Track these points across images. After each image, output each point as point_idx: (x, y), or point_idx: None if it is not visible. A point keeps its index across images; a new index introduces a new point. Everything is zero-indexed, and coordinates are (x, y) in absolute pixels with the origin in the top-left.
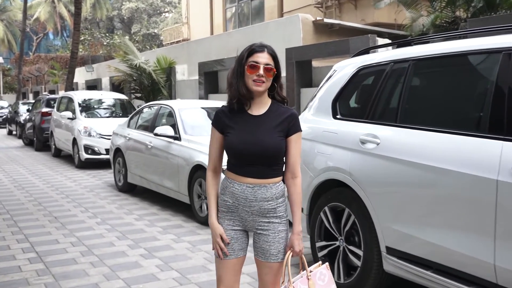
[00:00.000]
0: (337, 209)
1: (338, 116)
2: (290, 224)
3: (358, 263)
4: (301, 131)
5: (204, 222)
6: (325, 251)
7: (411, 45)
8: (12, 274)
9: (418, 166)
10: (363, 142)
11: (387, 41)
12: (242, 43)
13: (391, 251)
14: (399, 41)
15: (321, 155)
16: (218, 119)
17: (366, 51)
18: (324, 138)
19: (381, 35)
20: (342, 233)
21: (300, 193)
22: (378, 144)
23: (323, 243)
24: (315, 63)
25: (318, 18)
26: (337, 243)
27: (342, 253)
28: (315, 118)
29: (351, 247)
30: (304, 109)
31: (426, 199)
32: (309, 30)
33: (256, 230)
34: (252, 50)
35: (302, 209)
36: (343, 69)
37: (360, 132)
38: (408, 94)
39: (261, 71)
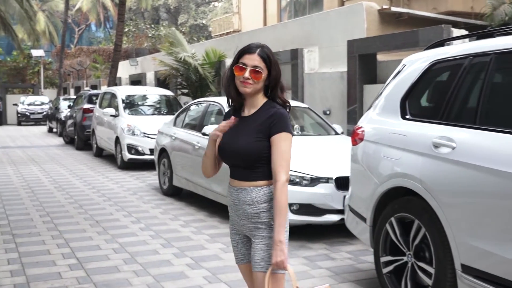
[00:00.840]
0: (405, 220)
1: (407, 116)
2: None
3: (429, 281)
4: (286, 132)
5: None
6: (390, 267)
7: (493, 37)
8: (52, 281)
9: (500, 173)
10: (436, 145)
11: (463, 32)
12: (298, 34)
13: (467, 269)
14: (479, 32)
15: (387, 160)
16: (223, 120)
17: (440, 44)
18: (391, 141)
19: (456, 25)
20: (411, 248)
21: (280, 198)
22: (453, 148)
23: (389, 258)
24: (380, 57)
25: (384, 7)
26: (405, 258)
27: (411, 270)
28: (381, 118)
29: (420, 264)
30: (368, 109)
31: (509, 211)
32: (374, 20)
33: (247, 234)
34: (242, 51)
35: (365, 219)
36: (414, 63)
37: (433, 134)
38: (489, 92)
39: (247, 74)
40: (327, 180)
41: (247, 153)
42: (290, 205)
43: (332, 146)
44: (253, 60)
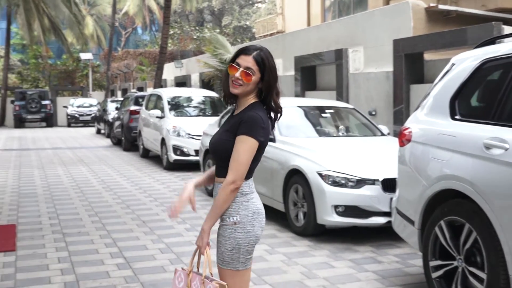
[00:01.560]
0: (455, 224)
1: (457, 117)
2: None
3: (481, 287)
4: (246, 135)
5: (300, 232)
6: (440, 272)
7: None
8: (100, 280)
9: None
10: (487, 147)
11: None
12: (343, 34)
13: None
14: None
15: (436, 161)
16: (221, 117)
17: (491, 41)
18: (440, 142)
19: (507, 22)
20: (461, 252)
21: (219, 195)
22: (506, 149)
23: (438, 262)
24: (427, 56)
25: (431, 5)
26: (455, 263)
27: (461, 275)
28: (429, 119)
29: (472, 269)
30: (416, 109)
31: None
32: (420, 18)
33: None
34: (239, 51)
35: (413, 222)
36: (463, 62)
37: (484, 135)
38: None
39: (238, 74)
40: (373, 181)
41: (216, 150)
42: (336, 207)
43: (378, 147)
44: (247, 61)
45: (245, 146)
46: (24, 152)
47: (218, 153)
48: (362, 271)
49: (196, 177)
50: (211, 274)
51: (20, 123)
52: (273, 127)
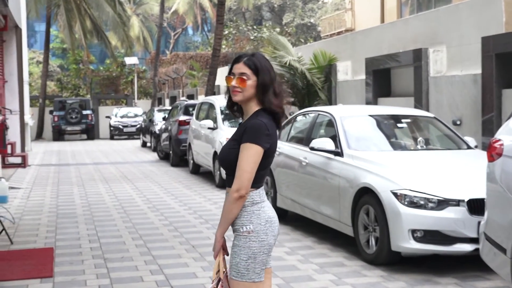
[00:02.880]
0: None
1: None
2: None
3: None
4: (249, 142)
5: (372, 260)
6: None
7: None
8: None
9: None
10: None
11: None
12: (422, 32)
13: None
14: None
15: None
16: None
17: None
18: None
19: None
20: None
21: (225, 203)
22: None
23: None
24: None
25: None
26: None
27: None
28: None
29: None
30: (509, 118)
31: None
32: None
33: None
34: (233, 61)
35: (505, 250)
36: None
37: None
38: None
39: (233, 82)
40: (458, 202)
41: (223, 160)
42: (413, 231)
43: (464, 162)
44: (239, 68)
45: (248, 153)
46: (63, 167)
47: (225, 162)
48: None
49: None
50: (225, 271)
51: (59, 135)
52: (278, 129)
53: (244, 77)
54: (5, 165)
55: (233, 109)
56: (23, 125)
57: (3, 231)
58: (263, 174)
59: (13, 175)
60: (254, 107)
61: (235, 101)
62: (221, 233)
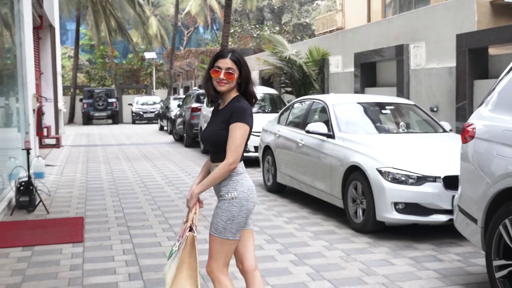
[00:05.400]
0: None
1: None
2: None
3: None
4: (240, 122)
5: (359, 229)
6: (504, 272)
7: None
8: (163, 272)
9: None
10: None
11: None
12: (404, 30)
13: None
14: None
15: (501, 159)
16: (211, 113)
17: None
18: (505, 139)
19: None
20: None
21: (217, 171)
22: None
23: (502, 262)
24: (492, 51)
25: None
26: None
27: None
28: (494, 115)
29: None
30: (480, 105)
31: None
32: (485, 12)
33: None
34: (216, 56)
35: (476, 220)
36: None
37: None
38: None
39: (222, 75)
40: (434, 179)
41: (213, 140)
42: (396, 204)
43: (440, 144)
44: (226, 63)
45: (240, 131)
46: (91, 148)
47: (214, 141)
48: (422, 269)
49: (197, 178)
50: (196, 226)
51: (88, 120)
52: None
53: (231, 71)
54: (42, 146)
55: (214, 97)
56: (57, 111)
57: (41, 202)
58: (244, 149)
59: (48, 154)
60: (232, 94)
61: (220, 91)
62: (199, 191)
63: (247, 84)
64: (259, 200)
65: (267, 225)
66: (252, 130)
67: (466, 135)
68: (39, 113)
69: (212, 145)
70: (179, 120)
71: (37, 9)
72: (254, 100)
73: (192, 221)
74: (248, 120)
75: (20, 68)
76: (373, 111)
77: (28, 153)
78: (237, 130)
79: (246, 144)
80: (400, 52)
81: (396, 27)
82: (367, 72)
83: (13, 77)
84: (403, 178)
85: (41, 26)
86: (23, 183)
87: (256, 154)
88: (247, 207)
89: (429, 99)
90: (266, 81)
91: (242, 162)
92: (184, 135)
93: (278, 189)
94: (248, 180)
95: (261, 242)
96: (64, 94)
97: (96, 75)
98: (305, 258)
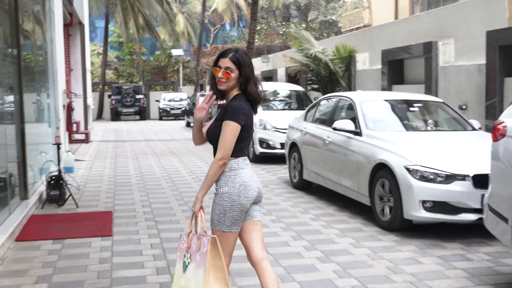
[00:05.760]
0: None
1: None
2: None
3: None
4: (229, 120)
5: (386, 227)
6: None
7: None
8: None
9: None
10: None
11: None
12: (432, 26)
13: None
14: None
15: None
16: (218, 111)
17: None
18: None
19: None
20: None
21: (209, 169)
22: None
23: None
24: None
25: None
26: None
27: None
28: None
29: None
30: (511, 103)
31: None
32: None
33: None
34: (219, 55)
35: (507, 220)
36: None
37: None
38: None
39: (220, 74)
40: (463, 177)
41: (210, 136)
42: (424, 202)
43: (469, 142)
44: (225, 63)
45: (228, 128)
46: (119, 143)
47: (211, 137)
48: (450, 268)
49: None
50: (205, 232)
51: (116, 116)
52: (255, 112)
53: (229, 71)
54: (71, 141)
55: (219, 94)
56: (86, 107)
57: (70, 196)
58: (242, 146)
59: (78, 149)
60: (234, 93)
61: (219, 89)
62: (202, 194)
63: (246, 83)
64: (285, 197)
65: (293, 221)
66: (278, 127)
67: (497, 133)
68: (69, 109)
69: (210, 141)
70: None
71: (67, 6)
72: (258, 100)
73: (200, 227)
74: (237, 118)
75: (51, 64)
76: (401, 109)
77: (58, 148)
78: (226, 128)
79: (244, 140)
80: (429, 49)
81: (424, 24)
82: (394, 69)
83: (44, 74)
84: (431, 176)
85: (71, 23)
86: (53, 178)
87: (282, 151)
88: (239, 202)
89: (457, 96)
90: (292, 78)
91: (239, 158)
92: None
93: (304, 186)
94: (243, 177)
95: (287, 238)
96: (93, 91)
97: (124, 71)
98: (332, 255)
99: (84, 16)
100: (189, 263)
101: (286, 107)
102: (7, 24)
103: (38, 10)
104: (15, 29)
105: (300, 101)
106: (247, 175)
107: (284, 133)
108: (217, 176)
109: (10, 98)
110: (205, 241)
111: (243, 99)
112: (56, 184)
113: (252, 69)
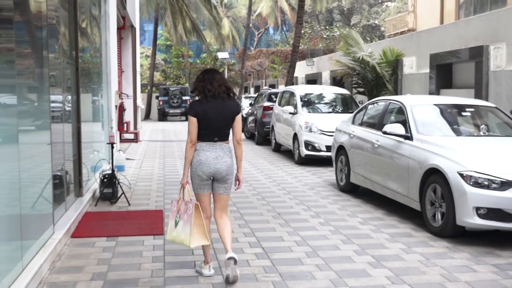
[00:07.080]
0: None
1: None
2: None
3: None
4: (188, 114)
5: (437, 233)
6: None
7: None
8: (241, 267)
9: None
10: None
11: None
12: (483, 31)
13: None
14: None
15: None
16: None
17: None
18: None
19: None
20: None
21: (185, 150)
22: None
23: None
24: None
25: None
26: None
27: None
28: None
29: None
30: None
31: None
32: None
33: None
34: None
35: None
36: None
37: None
38: None
39: None
40: None
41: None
42: (478, 209)
43: None
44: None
45: (188, 120)
46: (167, 143)
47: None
48: (507, 277)
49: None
50: (190, 199)
51: (163, 116)
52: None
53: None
54: (121, 140)
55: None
56: (135, 107)
57: (123, 195)
58: (204, 133)
59: (128, 148)
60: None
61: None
62: (184, 171)
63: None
64: (332, 200)
65: (342, 225)
66: (324, 130)
67: None
68: (121, 109)
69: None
70: (250, 119)
71: (120, 10)
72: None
73: (186, 196)
74: (190, 112)
75: (104, 66)
76: (451, 113)
77: (112, 147)
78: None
79: (202, 128)
80: (479, 54)
81: (474, 28)
82: (442, 74)
83: (99, 75)
84: (485, 183)
85: (123, 26)
86: (106, 176)
87: (327, 154)
88: (196, 173)
89: (509, 101)
90: (337, 82)
91: (203, 143)
92: (256, 133)
93: (351, 189)
94: (200, 156)
95: (337, 242)
96: (141, 92)
97: (171, 74)
98: (383, 260)
99: (136, 20)
100: (179, 221)
101: (332, 111)
102: (67, 25)
103: (94, 13)
104: (74, 31)
105: (346, 105)
106: (205, 155)
107: (330, 136)
108: (190, 154)
109: (68, 97)
110: (190, 206)
111: (200, 98)
112: (109, 182)
113: (197, 80)
